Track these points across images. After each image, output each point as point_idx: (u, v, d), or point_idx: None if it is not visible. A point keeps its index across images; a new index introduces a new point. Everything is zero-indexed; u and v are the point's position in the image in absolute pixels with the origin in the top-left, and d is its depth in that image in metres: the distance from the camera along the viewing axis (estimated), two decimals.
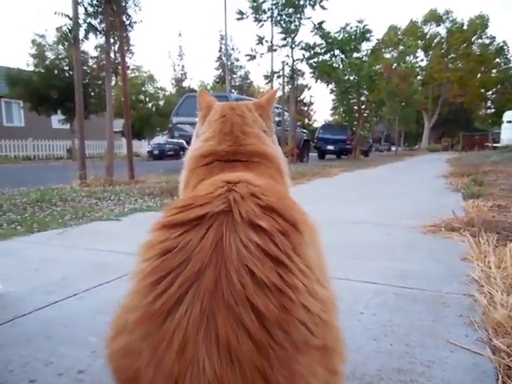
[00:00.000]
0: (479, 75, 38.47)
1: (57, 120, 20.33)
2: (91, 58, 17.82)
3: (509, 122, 23.16)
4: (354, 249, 2.38)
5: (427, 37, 39.66)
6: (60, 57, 18.33)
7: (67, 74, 17.82)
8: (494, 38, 38.72)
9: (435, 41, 39.73)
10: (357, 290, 1.68)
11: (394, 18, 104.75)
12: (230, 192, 0.73)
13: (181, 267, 0.65)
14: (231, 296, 0.62)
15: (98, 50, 15.60)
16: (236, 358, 0.59)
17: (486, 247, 2.25)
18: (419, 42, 34.29)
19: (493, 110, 42.00)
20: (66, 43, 5.97)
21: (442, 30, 39.95)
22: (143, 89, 25.04)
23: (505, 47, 39.00)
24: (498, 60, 39.29)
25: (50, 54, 18.48)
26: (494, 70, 39.57)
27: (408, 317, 1.42)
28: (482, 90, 39.67)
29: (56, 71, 18.05)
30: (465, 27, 38.40)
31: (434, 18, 39.55)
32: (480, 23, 37.80)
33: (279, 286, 0.62)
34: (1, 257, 2.31)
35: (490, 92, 41.10)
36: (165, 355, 0.62)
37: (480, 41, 38.77)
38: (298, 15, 11.30)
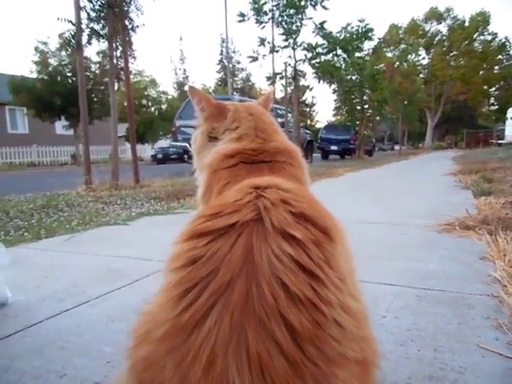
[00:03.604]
0: (482, 72, 38.24)
1: (61, 126, 20.43)
2: (93, 63, 17.87)
3: None
4: (370, 249, 2.32)
5: (428, 35, 39.51)
6: (63, 63, 18.42)
7: (70, 81, 17.91)
8: (496, 34, 38.54)
9: (437, 38, 39.57)
10: (376, 293, 1.62)
11: (395, 16, 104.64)
12: (260, 199, 0.69)
13: (209, 278, 0.61)
14: (263, 309, 0.58)
15: (101, 55, 15.66)
16: (269, 375, 0.56)
17: (504, 245, 2.19)
18: (421, 40, 34.09)
19: (496, 107, 41.73)
20: (69, 49, 5.95)
21: (443, 28, 39.87)
22: (146, 93, 25.11)
23: (507, 43, 38.76)
24: (500, 56, 39.04)
25: (52, 61, 18.58)
26: (497, 67, 39.33)
27: (433, 320, 1.36)
28: (485, 87, 39.44)
29: (59, 78, 18.13)
30: (466, 24, 38.21)
31: (435, 15, 39.40)
32: (481, 20, 37.59)
33: (313, 300, 0.59)
34: (9, 264, 2.28)
35: (493, 89, 40.84)
36: (190, 370, 0.58)
37: (482, 37, 38.57)
38: (300, 16, 11.26)
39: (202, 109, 1.05)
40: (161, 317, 0.63)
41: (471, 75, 36.61)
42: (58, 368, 1.12)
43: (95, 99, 18.29)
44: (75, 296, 1.68)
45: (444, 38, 39.42)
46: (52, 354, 1.20)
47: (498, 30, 52.16)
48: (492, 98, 42.78)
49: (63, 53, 17.87)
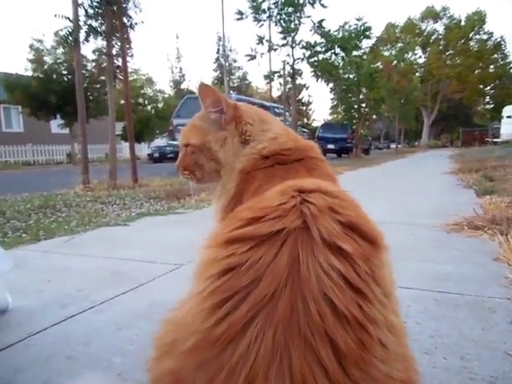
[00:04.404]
0: (477, 71, 38.31)
1: (56, 125, 20.21)
2: (89, 61, 17.68)
3: (508, 116, 23.08)
4: None
5: (425, 34, 39.56)
6: (58, 61, 18.19)
7: (66, 79, 17.71)
8: (492, 33, 38.61)
9: (433, 37, 39.60)
10: None
11: (391, 15, 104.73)
12: (305, 204, 0.63)
13: (249, 288, 0.56)
14: (308, 328, 0.53)
15: (97, 53, 15.48)
16: None
17: None
18: (417, 39, 34.09)
19: (491, 106, 41.88)
20: (67, 46, 5.85)
21: (439, 27, 39.90)
22: (142, 92, 24.92)
23: (502, 43, 38.92)
24: (495, 55, 39.17)
25: (48, 59, 18.36)
26: (492, 66, 39.44)
27: (455, 325, 1.31)
28: (481, 86, 39.50)
29: (54, 76, 17.92)
30: (462, 23, 38.27)
31: (431, 14, 39.43)
32: (477, 19, 37.66)
33: (359, 320, 0.55)
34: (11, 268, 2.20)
35: (489, 87, 40.93)
36: None
37: (478, 37, 38.60)
38: (298, 14, 11.21)
39: (220, 111, 0.92)
40: (189, 327, 0.59)
41: (467, 74, 36.70)
42: (67, 381, 1.06)
43: (91, 98, 18.10)
44: (79, 301, 1.62)
45: (440, 36, 39.45)
46: (60, 365, 1.14)
47: (494, 30, 52.32)
48: (487, 97, 42.89)
49: (59, 51, 17.68)
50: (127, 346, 1.23)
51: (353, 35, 12.97)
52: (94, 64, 17.93)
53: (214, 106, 0.92)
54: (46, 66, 18.19)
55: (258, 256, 0.58)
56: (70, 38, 5.26)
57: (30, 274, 2.03)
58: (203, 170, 0.97)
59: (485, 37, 38.54)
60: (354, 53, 14.72)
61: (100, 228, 3.23)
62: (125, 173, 6.91)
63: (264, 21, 11.23)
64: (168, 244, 2.63)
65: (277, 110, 13.56)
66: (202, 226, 3.13)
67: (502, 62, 39.35)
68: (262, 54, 11.61)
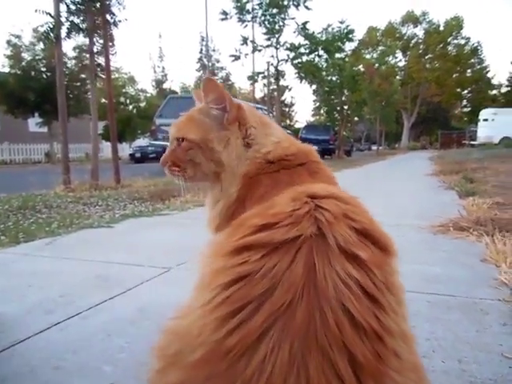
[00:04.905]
0: (455, 75, 39.39)
1: (34, 123, 19.71)
2: (69, 59, 17.31)
3: (485, 120, 23.79)
4: None
5: (405, 37, 40.38)
6: (37, 58, 17.76)
7: (45, 76, 17.29)
8: (469, 38, 39.80)
9: (413, 41, 40.50)
10: None
11: (372, 19, 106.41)
12: (318, 210, 0.61)
13: (264, 297, 0.53)
14: (326, 339, 0.51)
15: (77, 50, 15.18)
16: None
17: (502, 247, 2.19)
18: (398, 42, 34.78)
19: (469, 109, 43.06)
20: (48, 43, 5.68)
21: (419, 31, 40.82)
22: (124, 91, 24.57)
23: (479, 48, 40.12)
24: (472, 60, 40.32)
25: (26, 55, 17.89)
26: (469, 70, 40.59)
27: (449, 328, 1.32)
28: (458, 90, 40.63)
29: (33, 73, 17.48)
30: (441, 28, 39.26)
31: (411, 19, 40.29)
32: (455, 24, 38.70)
33: (376, 330, 0.53)
34: None
35: (466, 91, 42.11)
36: None
37: (456, 41, 39.75)
38: (282, 15, 11.24)
39: (222, 109, 0.85)
40: (196, 338, 0.56)
41: (445, 78, 37.65)
42: None
43: (71, 96, 17.72)
44: (65, 307, 1.55)
45: (420, 41, 40.37)
46: (47, 376, 1.08)
47: (471, 35, 53.86)
48: (465, 101, 44.12)
49: (38, 47, 17.24)
50: (118, 354, 1.18)
51: (336, 37, 13.10)
52: (74, 61, 17.57)
53: (217, 103, 0.86)
54: (24, 63, 17.72)
55: (272, 264, 0.55)
56: (51, 34, 5.10)
57: (10, 279, 1.94)
58: (198, 169, 0.89)
59: (462, 42, 39.74)
60: (337, 55, 14.87)
61: (83, 230, 3.13)
62: (107, 173, 6.76)
63: (248, 21, 11.23)
64: (154, 246, 2.57)
65: (261, 111, 13.55)
66: (188, 228, 3.08)
67: (478, 67, 40.59)
68: (246, 54, 11.60)
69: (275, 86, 13.32)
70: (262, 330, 0.51)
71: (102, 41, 5.73)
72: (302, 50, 12.03)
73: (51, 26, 5.06)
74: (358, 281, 0.55)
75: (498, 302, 1.51)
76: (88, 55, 6.02)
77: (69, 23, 5.30)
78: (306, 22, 11.84)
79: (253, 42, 11.31)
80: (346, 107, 20.18)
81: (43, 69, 17.54)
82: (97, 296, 1.66)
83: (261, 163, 0.82)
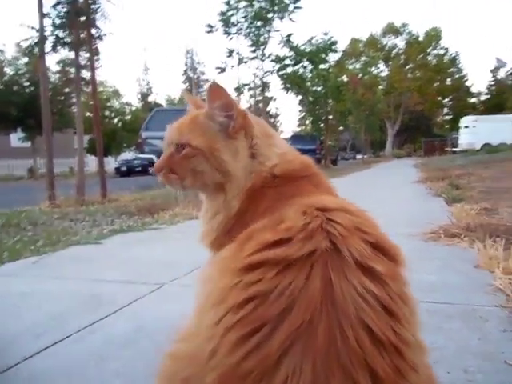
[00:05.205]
0: (436, 84, 40.45)
1: (16, 138, 19.39)
2: (53, 73, 17.15)
3: (466, 127, 24.37)
4: None
5: (386, 48, 41.37)
6: (20, 72, 17.56)
7: (27, 90, 17.08)
8: (448, 49, 41.04)
9: (394, 52, 41.52)
10: None
11: (354, 31, 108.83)
12: (330, 223, 0.60)
13: (282, 316, 0.51)
14: (348, 357, 0.50)
15: (61, 64, 15.06)
16: None
17: (493, 253, 2.20)
18: (380, 53, 35.61)
19: (450, 117, 44.10)
20: (32, 57, 5.61)
21: (399, 42, 41.90)
22: (108, 104, 24.44)
23: (457, 57, 41.36)
24: (452, 69, 41.48)
25: (8, 70, 17.68)
26: (449, 79, 41.73)
27: (451, 337, 1.30)
28: (440, 98, 41.70)
29: (15, 87, 17.26)
30: (421, 39, 40.36)
31: (392, 30, 41.35)
32: (434, 35, 39.86)
33: (395, 344, 0.53)
34: None
35: (447, 99, 43.21)
36: None
37: (435, 51, 40.91)
38: (267, 28, 11.38)
39: (230, 116, 0.81)
40: (208, 362, 0.53)
41: (427, 87, 38.59)
42: None
43: (54, 110, 17.54)
44: (55, 330, 1.49)
45: (401, 51, 41.43)
46: None
47: (449, 45, 55.56)
48: (446, 108, 45.22)
49: (20, 61, 17.07)
50: (113, 380, 1.13)
51: (320, 49, 13.30)
52: (58, 75, 17.40)
53: (224, 110, 0.81)
54: (6, 77, 17.48)
55: (288, 281, 0.53)
56: (36, 48, 5.04)
57: None
58: (199, 178, 0.82)
59: (442, 51, 40.92)
60: (322, 66, 15.08)
61: (70, 247, 3.05)
62: (93, 188, 6.66)
63: (234, 34, 11.33)
64: (146, 262, 2.51)
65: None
66: (179, 242, 3.02)
67: (457, 76, 41.75)
68: (232, 66, 11.67)
69: (261, 98, 13.42)
70: (282, 352, 0.49)
71: (87, 54, 5.69)
72: (287, 61, 12.18)
73: (36, 41, 5.01)
74: (375, 294, 0.54)
75: (495, 308, 1.51)
76: (72, 69, 5.96)
77: (54, 37, 5.25)
78: (290, 34, 12.02)
79: (238, 53, 11.40)
80: (330, 117, 20.42)
81: (26, 83, 17.34)
82: (89, 316, 1.61)
83: (266, 177, 0.79)
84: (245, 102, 15.04)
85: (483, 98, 42.97)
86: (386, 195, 6.00)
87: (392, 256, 0.62)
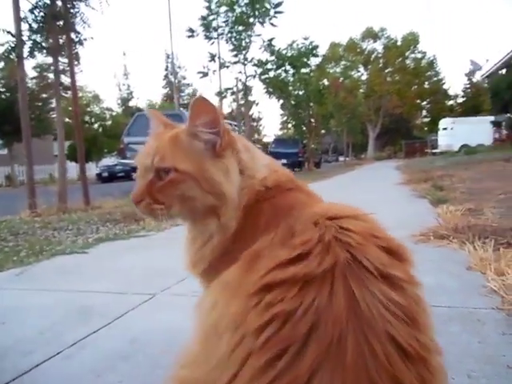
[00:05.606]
0: (414, 87, 41.39)
1: None
2: (30, 78, 16.77)
3: (444, 129, 25.00)
4: None
5: (366, 52, 42.10)
6: None
7: (3, 96, 16.63)
8: (425, 52, 42.05)
9: (373, 56, 42.28)
10: None
11: (334, 35, 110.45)
12: (343, 232, 0.58)
13: (308, 336, 0.49)
14: (376, 372, 0.49)
15: (38, 70, 14.75)
16: None
17: (484, 254, 2.23)
18: (359, 57, 36.16)
19: (429, 119, 45.14)
20: (9, 62, 5.46)
21: (378, 46, 42.71)
22: (88, 109, 24.03)
23: (434, 61, 42.43)
24: (429, 73, 42.50)
25: None
26: (427, 82, 42.75)
27: (451, 341, 1.30)
28: (418, 101, 42.65)
29: None
30: (399, 43, 41.23)
31: (371, 35, 42.13)
32: (412, 39, 40.78)
33: (419, 352, 0.53)
34: None
35: (425, 102, 44.22)
36: None
37: (413, 55, 41.87)
38: (249, 32, 11.42)
39: (216, 133, 0.75)
40: None
41: (405, 90, 39.44)
42: None
43: (32, 116, 17.13)
44: (45, 345, 1.43)
45: (380, 55, 42.24)
46: None
47: (427, 49, 56.93)
48: (424, 111, 46.27)
49: None
50: None
51: (302, 53, 13.42)
52: (35, 81, 17.03)
53: (209, 127, 0.75)
54: None
55: (311, 298, 0.51)
56: (13, 53, 4.90)
57: None
58: (188, 204, 0.75)
59: (419, 55, 41.90)
60: (303, 70, 15.22)
61: (55, 257, 2.96)
62: (75, 194, 6.50)
63: (215, 38, 11.32)
64: (135, 271, 2.45)
65: (230, 127, 13.58)
66: (167, 250, 2.95)
67: (435, 79, 42.80)
68: (214, 71, 11.66)
69: (243, 102, 13.44)
70: (311, 372, 0.47)
71: (66, 59, 5.56)
72: (269, 65, 12.25)
73: (12, 46, 4.87)
74: (397, 303, 0.54)
75: (492, 310, 1.52)
76: (51, 74, 5.82)
77: (31, 42, 5.11)
78: (271, 39, 12.11)
79: (220, 58, 11.40)
80: (313, 120, 20.62)
81: (2, 89, 16.88)
82: (80, 330, 1.55)
83: (260, 191, 0.76)
84: (226, 106, 15.02)
85: (460, 100, 44.23)
86: (371, 198, 6.04)
87: (401, 256, 0.61)
